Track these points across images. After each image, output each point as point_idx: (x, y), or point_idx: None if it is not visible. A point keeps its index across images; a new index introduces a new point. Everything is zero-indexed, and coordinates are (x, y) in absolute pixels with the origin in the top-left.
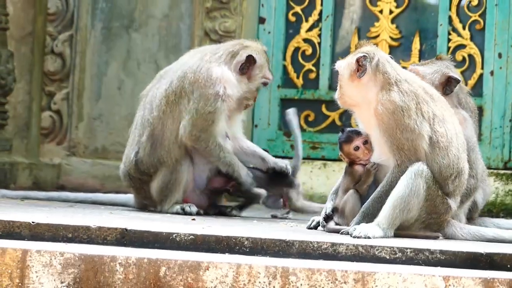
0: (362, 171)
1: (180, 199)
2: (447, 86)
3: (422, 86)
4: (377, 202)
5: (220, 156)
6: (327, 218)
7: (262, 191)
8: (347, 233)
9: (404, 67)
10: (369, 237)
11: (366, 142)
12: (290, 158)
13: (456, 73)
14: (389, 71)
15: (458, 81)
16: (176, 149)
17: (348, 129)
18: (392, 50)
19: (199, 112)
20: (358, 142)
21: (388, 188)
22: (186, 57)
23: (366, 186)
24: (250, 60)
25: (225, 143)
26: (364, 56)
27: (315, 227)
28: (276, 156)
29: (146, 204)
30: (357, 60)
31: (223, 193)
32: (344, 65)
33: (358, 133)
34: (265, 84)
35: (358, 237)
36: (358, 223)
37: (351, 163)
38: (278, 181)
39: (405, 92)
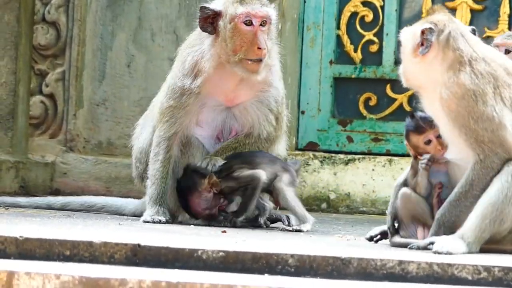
0: None
1: None
2: None
3: (504, 66)
4: (454, 206)
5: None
6: (393, 228)
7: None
8: (418, 248)
9: (490, 37)
10: (451, 253)
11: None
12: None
13: None
14: (462, 47)
15: None
16: None
17: (420, 114)
18: (474, 16)
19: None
20: (431, 135)
21: (469, 188)
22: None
23: (419, 187)
24: (208, 15)
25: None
26: (430, 27)
27: (377, 240)
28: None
29: None
30: (422, 32)
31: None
32: (408, 36)
33: (431, 123)
34: (246, 24)
35: (439, 253)
36: (434, 234)
37: (417, 156)
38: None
39: (479, 74)
